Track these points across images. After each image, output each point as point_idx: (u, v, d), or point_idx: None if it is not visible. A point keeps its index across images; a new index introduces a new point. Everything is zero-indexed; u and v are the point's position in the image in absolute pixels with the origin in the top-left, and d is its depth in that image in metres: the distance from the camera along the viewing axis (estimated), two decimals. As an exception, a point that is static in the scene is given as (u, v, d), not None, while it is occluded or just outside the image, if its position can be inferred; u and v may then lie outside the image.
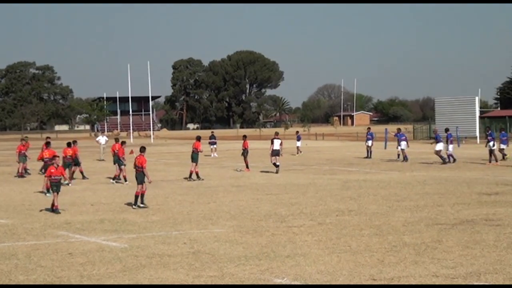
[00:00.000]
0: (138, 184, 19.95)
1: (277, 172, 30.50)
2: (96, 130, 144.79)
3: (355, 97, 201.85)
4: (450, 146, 36.50)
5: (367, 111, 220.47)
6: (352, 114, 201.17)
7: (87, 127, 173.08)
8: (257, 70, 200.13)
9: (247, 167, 33.15)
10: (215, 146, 48.46)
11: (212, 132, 52.22)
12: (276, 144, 31.42)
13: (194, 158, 28.70)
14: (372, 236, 14.52)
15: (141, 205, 19.65)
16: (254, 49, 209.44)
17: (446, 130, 38.93)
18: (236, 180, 28.21)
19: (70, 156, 28.08)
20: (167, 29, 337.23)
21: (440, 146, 35.56)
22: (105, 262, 12.36)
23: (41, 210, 19.35)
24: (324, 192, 23.26)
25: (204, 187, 25.69)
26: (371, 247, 13.32)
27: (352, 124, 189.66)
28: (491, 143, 35.04)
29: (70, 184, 26.01)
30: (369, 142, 41.56)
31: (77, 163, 28.92)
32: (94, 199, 21.87)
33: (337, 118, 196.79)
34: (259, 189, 24.47)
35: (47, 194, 22.49)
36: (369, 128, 43.69)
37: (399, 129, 40.48)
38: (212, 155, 46.44)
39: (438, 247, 13.19)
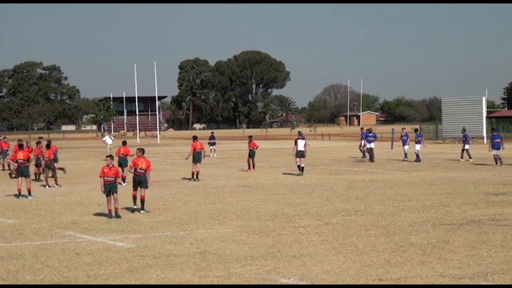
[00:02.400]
0: (142, 188, 18.82)
1: (299, 175, 29.40)
2: (102, 130, 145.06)
3: (361, 97, 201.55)
4: (466, 146, 38.12)
5: (374, 111, 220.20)
6: (359, 114, 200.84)
7: (94, 127, 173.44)
8: (263, 70, 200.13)
9: (253, 167, 33.14)
10: (214, 146, 48.60)
11: (212, 132, 52.41)
12: (300, 145, 30.11)
13: (198, 158, 28.70)
14: (378, 236, 14.50)
15: (142, 211, 18.69)
16: (260, 49, 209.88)
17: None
18: (242, 180, 28.20)
19: (47, 157, 27.08)
20: (173, 29, 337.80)
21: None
22: (112, 262, 12.38)
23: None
24: (330, 192, 23.23)
25: (210, 187, 25.69)
26: (378, 247, 13.29)
27: (359, 124, 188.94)
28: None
29: (56, 187, 26.15)
30: (363, 142, 40.47)
31: (48, 165, 27.19)
32: (101, 199, 21.84)
33: (343, 118, 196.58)
34: (266, 189, 24.45)
35: (29, 197, 22.72)
36: (362, 129, 43.15)
37: (416, 130, 40.26)
38: (211, 156, 46.54)
39: (445, 247, 13.15)
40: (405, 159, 38.62)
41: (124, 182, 26.37)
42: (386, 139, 66.55)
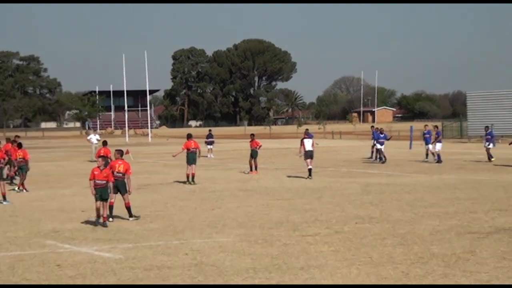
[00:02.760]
0: (122, 194, 18.67)
1: (308, 177, 29.47)
2: (87, 128, 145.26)
3: (376, 91, 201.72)
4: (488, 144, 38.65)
5: (390, 107, 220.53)
6: (373, 110, 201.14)
7: (78, 124, 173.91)
8: (266, 61, 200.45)
9: (255, 169, 33.18)
10: (212, 146, 48.61)
11: (209, 130, 52.25)
12: (308, 144, 30.14)
13: (193, 159, 28.71)
14: (395, 246, 14.50)
15: (131, 219, 18.58)
16: (263, 38, 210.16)
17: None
18: (243, 184, 28.23)
19: (22, 158, 26.86)
20: (166, 15, 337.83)
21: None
22: (98, 275, 12.39)
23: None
24: (341, 197, 23.25)
25: (208, 191, 25.72)
26: (395, 258, 13.30)
27: (373, 121, 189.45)
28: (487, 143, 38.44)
29: (24, 192, 26.20)
30: (373, 143, 40.64)
31: (22, 167, 26.83)
32: (86, 205, 21.89)
33: (356, 114, 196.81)
34: (269, 194, 24.48)
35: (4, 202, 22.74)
36: (372, 127, 43.23)
37: (436, 127, 40.32)
38: (209, 156, 46.59)
39: (471, 259, 13.15)
40: (426, 159, 38.66)
41: None
42: (404, 137, 66.57)
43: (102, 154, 26.47)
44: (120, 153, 19.49)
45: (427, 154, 39.05)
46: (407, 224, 17.27)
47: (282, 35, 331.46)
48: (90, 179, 18.12)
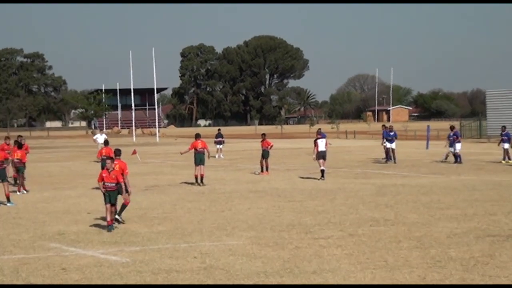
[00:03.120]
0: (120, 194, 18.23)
1: (321, 179, 29.45)
2: (93, 127, 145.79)
3: (391, 89, 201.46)
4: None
5: (406, 105, 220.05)
6: (388, 108, 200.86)
7: (83, 123, 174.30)
8: (278, 58, 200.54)
9: (266, 169, 33.18)
10: (221, 146, 48.51)
11: (218, 129, 52.11)
12: (321, 145, 30.20)
13: (202, 159, 28.69)
14: (411, 249, 14.47)
15: (117, 217, 18.27)
16: (274, 34, 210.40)
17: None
18: (254, 185, 28.25)
19: (19, 159, 26.89)
20: (174, 11, 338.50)
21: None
22: (104, 279, 12.42)
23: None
24: (355, 198, 23.23)
25: (217, 192, 25.75)
26: (411, 262, 13.27)
27: (388, 120, 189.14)
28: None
29: (25, 193, 26.30)
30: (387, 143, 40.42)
31: (20, 168, 26.92)
32: (92, 207, 21.97)
33: (370, 113, 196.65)
34: (281, 195, 24.48)
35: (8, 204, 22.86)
36: (383, 126, 43.01)
37: (452, 127, 40.08)
38: (217, 156, 46.60)
39: (490, 262, 13.11)
40: (445, 160, 38.49)
41: None
42: (420, 137, 66.46)
43: (105, 155, 26.53)
44: (117, 152, 19.46)
45: (447, 156, 38.80)
46: (423, 227, 17.23)
47: (294, 31, 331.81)
48: (98, 181, 18.03)
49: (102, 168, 26.24)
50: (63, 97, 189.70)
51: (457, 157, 37.71)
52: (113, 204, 17.67)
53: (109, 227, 17.45)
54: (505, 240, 15.28)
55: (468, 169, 34.25)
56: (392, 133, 39.32)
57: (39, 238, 16.65)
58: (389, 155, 39.14)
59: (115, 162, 18.81)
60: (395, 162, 38.21)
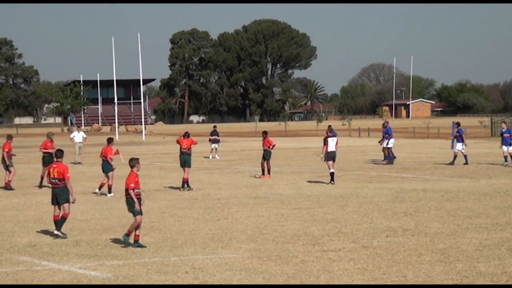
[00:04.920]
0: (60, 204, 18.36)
1: (330, 183, 29.52)
2: (70, 124, 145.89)
3: (411, 81, 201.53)
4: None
5: (428, 99, 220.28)
6: (408, 103, 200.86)
7: (58, 120, 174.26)
8: (281, 45, 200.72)
9: (268, 172, 33.19)
10: (217, 145, 48.36)
11: (214, 126, 52.00)
12: (332, 144, 30.28)
13: (187, 161, 28.69)
14: (434, 263, 14.48)
15: (55, 231, 18.15)
16: (277, 18, 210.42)
17: None
18: (254, 190, 28.26)
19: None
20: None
21: None
22: (82, 297, 12.41)
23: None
24: (370, 205, 23.24)
25: (212, 198, 25.76)
26: (434, 278, 13.28)
27: (408, 116, 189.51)
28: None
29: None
30: (385, 142, 40.66)
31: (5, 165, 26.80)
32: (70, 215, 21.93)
33: (387, 108, 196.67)
34: (285, 202, 24.49)
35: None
36: (387, 122, 43.10)
37: (458, 124, 40.39)
38: (211, 157, 46.61)
39: (524, 279, 13.12)
40: (506, 163, 38.15)
41: (110, 192, 26.86)
42: (445, 135, 66.43)
43: (114, 154, 26.87)
44: (59, 153, 19.02)
45: (506, 157, 38.59)
46: (448, 238, 17.23)
47: (300, 14, 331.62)
48: (130, 189, 17.28)
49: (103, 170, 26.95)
50: (34, 89, 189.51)
51: (455, 158, 38.11)
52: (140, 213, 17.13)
53: (136, 244, 16.87)
54: (542, 253, 15.28)
55: (500, 172, 34.24)
56: (385, 130, 40.57)
57: (7, 251, 16.64)
58: (389, 154, 40.04)
59: (54, 165, 18.53)
60: (390, 162, 39.55)
